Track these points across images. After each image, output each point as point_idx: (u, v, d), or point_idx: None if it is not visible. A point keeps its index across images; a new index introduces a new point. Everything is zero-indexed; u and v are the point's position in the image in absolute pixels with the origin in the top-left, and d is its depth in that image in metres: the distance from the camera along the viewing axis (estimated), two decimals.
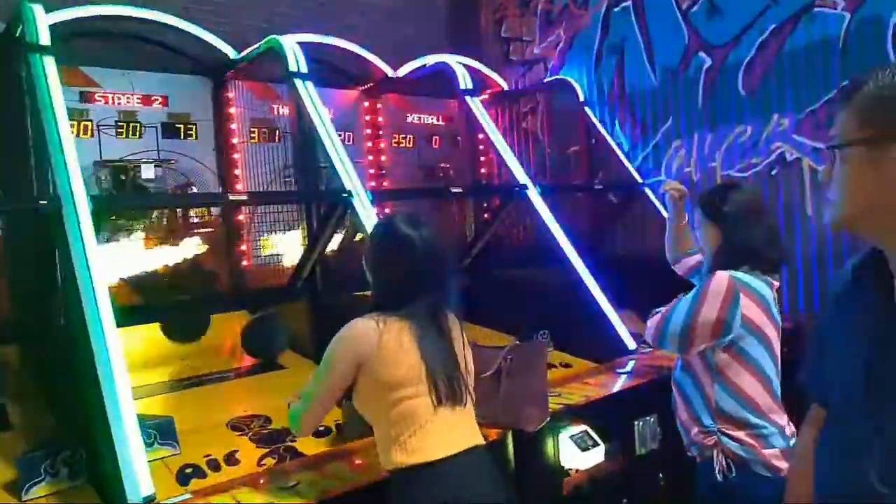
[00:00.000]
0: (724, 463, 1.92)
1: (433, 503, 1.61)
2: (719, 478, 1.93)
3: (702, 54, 4.27)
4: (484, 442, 1.78)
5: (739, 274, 1.94)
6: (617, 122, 4.83)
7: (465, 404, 1.73)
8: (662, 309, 2.07)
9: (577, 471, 2.48)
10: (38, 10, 2.68)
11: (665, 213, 4.57)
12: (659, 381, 2.65)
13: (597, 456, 2.48)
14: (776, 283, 2.04)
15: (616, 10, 4.75)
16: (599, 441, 2.49)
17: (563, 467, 2.46)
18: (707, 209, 2.12)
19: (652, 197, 4.53)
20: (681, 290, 2.09)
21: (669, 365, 2.29)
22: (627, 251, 4.73)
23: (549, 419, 2.36)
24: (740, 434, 1.91)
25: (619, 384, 2.86)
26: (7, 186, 3.17)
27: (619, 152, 4.73)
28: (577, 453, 2.44)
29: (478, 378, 1.93)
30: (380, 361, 1.64)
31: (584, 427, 2.50)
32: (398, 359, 1.65)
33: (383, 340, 1.64)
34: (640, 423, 2.73)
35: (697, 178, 4.34)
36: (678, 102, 4.45)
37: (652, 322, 2.08)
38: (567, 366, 3.29)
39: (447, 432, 1.66)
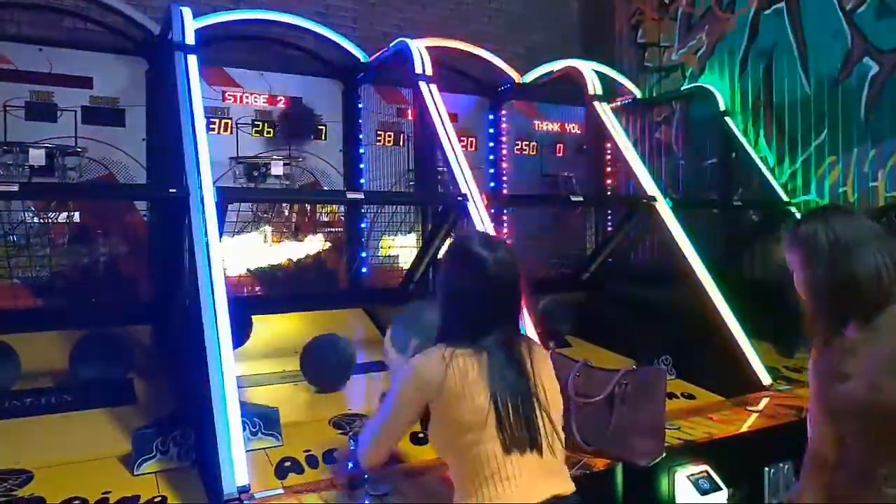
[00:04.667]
0: None
1: None
2: None
3: (868, 60, 3.80)
4: (571, 489, 1.57)
5: None
6: (762, 135, 4.43)
7: (543, 449, 1.53)
8: None
9: None
10: (185, 11, 2.87)
11: None
12: (797, 424, 2.38)
13: (718, 501, 2.22)
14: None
15: (767, 12, 4.36)
16: (722, 485, 2.24)
17: None
18: (798, 243, 1.63)
19: (799, 217, 4.09)
20: None
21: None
22: (766, 276, 4.31)
23: (664, 454, 2.15)
24: None
25: (749, 423, 2.57)
26: (155, 176, 3.44)
27: (762, 167, 4.33)
28: (695, 496, 2.20)
29: (579, 402, 1.76)
30: (446, 401, 1.51)
31: (704, 467, 2.26)
32: (465, 398, 1.49)
33: (449, 377, 1.50)
34: (772, 471, 2.43)
35: (854, 199, 3.87)
36: (835, 114, 4.00)
37: None
38: (690, 397, 3.03)
39: (523, 481, 1.47)
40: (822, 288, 1.57)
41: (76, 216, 3.42)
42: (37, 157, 3.17)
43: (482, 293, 1.57)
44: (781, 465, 2.45)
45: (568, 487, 1.56)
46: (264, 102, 3.97)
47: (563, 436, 1.61)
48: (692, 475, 2.24)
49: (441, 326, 1.63)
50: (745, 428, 2.52)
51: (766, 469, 2.44)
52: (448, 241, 3.34)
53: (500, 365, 1.53)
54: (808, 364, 1.67)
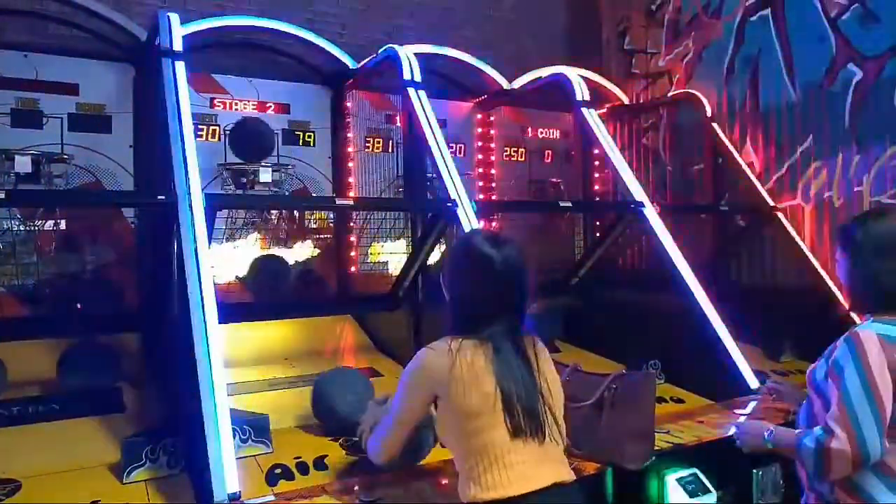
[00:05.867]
0: None
1: None
2: None
3: (852, 66, 3.86)
4: (572, 478, 1.61)
5: (886, 327, 1.59)
6: (748, 140, 4.47)
7: (546, 437, 1.57)
8: (839, 435, 1.53)
9: None
10: (173, 18, 2.87)
11: (799, 240, 4.23)
12: (784, 427, 2.36)
13: None
14: None
15: (752, 18, 4.41)
16: (711, 488, 2.25)
17: None
18: (840, 236, 1.80)
19: (785, 222, 4.14)
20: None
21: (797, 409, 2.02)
22: (754, 280, 4.35)
23: (654, 458, 2.16)
24: None
25: (733, 429, 2.58)
26: (143, 183, 3.42)
27: (749, 172, 4.37)
28: (684, 499, 2.21)
29: (568, 406, 1.77)
30: (454, 389, 1.54)
31: (694, 470, 2.27)
32: (472, 386, 1.53)
33: (456, 367, 1.53)
34: (761, 473, 2.45)
35: (840, 204, 3.91)
36: (820, 119, 4.05)
37: (843, 450, 1.53)
38: (679, 401, 3.04)
39: (526, 467, 1.52)
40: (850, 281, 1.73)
41: (63, 224, 3.40)
42: (23, 164, 3.14)
43: (488, 290, 1.59)
44: (770, 467, 2.45)
45: (569, 475, 1.60)
46: (253, 109, 3.96)
47: (564, 426, 1.64)
48: (682, 478, 2.25)
49: (448, 320, 1.65)
50: (733, 431, 2.53)
51: (755, 471, 2.44)
52: (442, 247, 3.36)
53: (506, 355, 1.56)
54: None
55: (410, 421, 1.69)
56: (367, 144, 4.27)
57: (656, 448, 2.20)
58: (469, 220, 2.96)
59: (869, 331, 1.59)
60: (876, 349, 1.54)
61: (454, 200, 3.02)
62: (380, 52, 3.76)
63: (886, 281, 1.63)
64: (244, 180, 3.78)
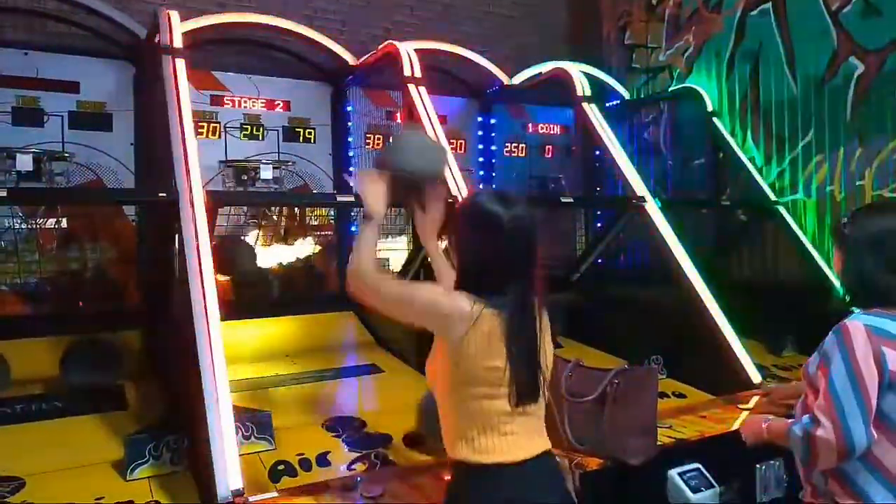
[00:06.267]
0: None
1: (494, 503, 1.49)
2: None
3: (854, 60, 3.84)
4: (551, 447, 1.63)
5: (874, 319, 1.58)
6: (749, 135, 4.46)
7: (540, 406, 1.58)
8: (824, 423, 1.54)
9: None
10: (173, 15, 2.86)
11: (801, 235, 4.23)
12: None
13: (710, 499, 2.23)
14: None
15: (753, 13, 4.40)
16: (714, 483, 2.24)
17: None
18: (835, 232, 1.79)
19: (787, 216, 4.13)
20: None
21: None
22: (755, 275, 4.34)
23: (656, 453, 2.15)
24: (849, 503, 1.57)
25: (740, 421, 2.57)
26: (144, 181, 3.42)
27: (750, 167, 4.36)
28: (686, 493, 2.21)
29: (571, 402, 1.77)
30: (463, 353, 1.49)
31: (696, 465, 2.26)
32: (482, 358, 1.49)
33: (471, 333, 1.48)
34: (763, 468, 2.44)
35: (841, 198, 3.91)
36: (822, 113, 4.04)
37: (828, 439, 1.53)
38: (681, 396, 3.04)
39: (519, 436, 1.52)
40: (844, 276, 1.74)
41: (64, 222, 3.40)
42: (24, 162, 3.14)
43: (497, 251, 1.53)
44: (772, 462, 2.45)
45: (549, 445, 1.61)
46: (254, 106, 3.96)
47: (548, 395, 1.64)
48: (684, 473, 2.25)
49: (459, 281, 1.59)
50: (736, 426, 2.52)
51: (758, 466, 2.44)
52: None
53: (518, 330, 1.52)
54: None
55: (400, 286, 1.64)
56: (368, 141, 4.26)
57: (659, 443, 2.19)
58: None
59: (857, 322, 1.58)
60: (862, 340, 1.54)
61: (455, 197, 3.01)
62: (380, 48, 3.75)
63: (877, 276, 1.63)
64: (245, 177, 3.78)
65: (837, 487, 1.59)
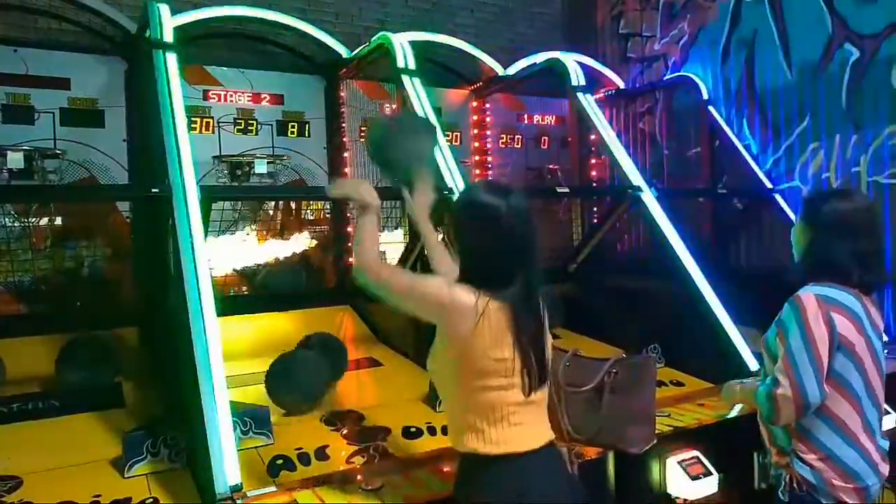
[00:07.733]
0: (794, 485, 1.78)
1: (506, 493, 1.49)
2: (784, 499, 1.81)
3: (848, 46, 3.83)
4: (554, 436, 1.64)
5: (824, 289, 1.76)
6: (745, 123, 4.46)
7: (543, 392, 1.59)
8: (783, 383, 1.72)
9: (685, 501, 2.26)
10: (163, 8, 2.83)
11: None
12: None
13: (709, 486, 2.25)
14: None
15: (748, 0, 4.38)
16: (713, 470, 2.25)
17: (669, 495, 2.25)
18: (804, 208, 1.92)
19: (783, 204, 4.13)
20: None
21: None
22: (752, 262, 4.34)
23: (655, 441, 2.15)
24: (812, 458, 1.75)
25: (739, 409, 2.58)
26: (138, 177, 3.40)
27: (746, 155, 4.36)
28: (686, 481, 2.22)
29: (569, 391, 1.77)
30: (471, 346, 1.49)
31: (695, 453, 2.28)
32: (490, 350, 1.49)
33: (479, 327, 1.47)
34: (761, 455, 2.44)
35: (837, 184, 3.90)
36: (817, 100, 4.03)
37: (787, 395, 1.71)
38: (679, 384, 3.04)
39: (528, 426, 1.54)
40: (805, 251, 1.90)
41: (58, 219, 3.38)
42: (15, 160, 3.12)
43: (497, 242, 1.52)
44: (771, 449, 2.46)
45: (553, 435, 1.64)
46: (247, 100, 3.93)
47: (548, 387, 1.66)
48: (683, 461, 2.25)
49: (462, 275, 1.58)
50: (734, 413, 2.53)
51: (756, 454, 2.45)
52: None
53: (525, 322, 1.52)
54: None
55: (407, 277, 1.61)
56: (362, 134, 4.24)
57: (657, 431, 2.18)
58: None
59: (808, 293, 1.76)
60: (814, 308, 1.72)
61: (451, 188, 3.01)
62: (373, 40, 3.73)
63: (840, 259, 1.77)
64: (239, 172, 3.76)
65: (801, 444, 1.77)
